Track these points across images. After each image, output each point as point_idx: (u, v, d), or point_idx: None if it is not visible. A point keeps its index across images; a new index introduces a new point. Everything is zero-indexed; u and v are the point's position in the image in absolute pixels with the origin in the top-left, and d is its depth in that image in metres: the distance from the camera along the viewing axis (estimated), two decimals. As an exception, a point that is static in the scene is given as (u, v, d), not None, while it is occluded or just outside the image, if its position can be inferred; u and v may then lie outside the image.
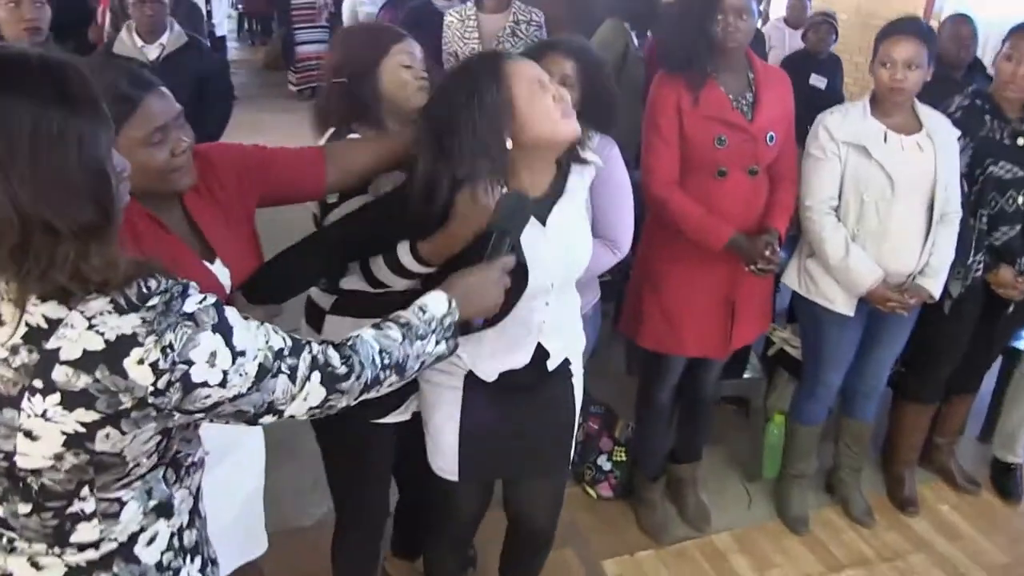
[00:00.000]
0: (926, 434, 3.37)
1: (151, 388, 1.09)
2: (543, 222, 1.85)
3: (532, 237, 1.80)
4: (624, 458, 3.23)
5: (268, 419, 1.25)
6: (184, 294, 1.13)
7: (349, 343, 1.33)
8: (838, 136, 2.68)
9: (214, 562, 1.43)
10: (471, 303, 1.51)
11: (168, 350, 1.09)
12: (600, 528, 3.12)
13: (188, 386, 1.13)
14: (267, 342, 1.21)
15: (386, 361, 1.36)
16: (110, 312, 1.08)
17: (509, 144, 1.73)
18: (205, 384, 1.14)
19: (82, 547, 1.19)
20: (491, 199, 1.70)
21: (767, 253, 2.56)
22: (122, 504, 1.20)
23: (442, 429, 2.03)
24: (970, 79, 3.84)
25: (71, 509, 1.17)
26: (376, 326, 1.40)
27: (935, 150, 2.66)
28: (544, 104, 1.73)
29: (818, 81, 5.36)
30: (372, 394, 1.36)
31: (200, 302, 1.15)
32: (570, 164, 1.92)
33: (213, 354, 1.14)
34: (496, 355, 1.94)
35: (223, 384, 1.16)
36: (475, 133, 1.70)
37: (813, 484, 3.30)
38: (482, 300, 1.54)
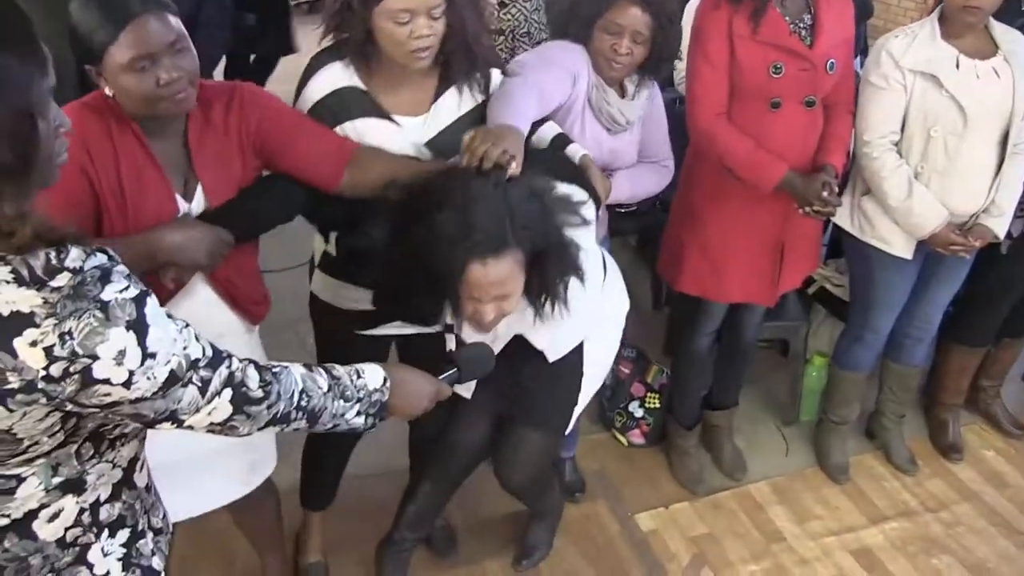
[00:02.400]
0: (972, 377, 3.21)
1: (42, 373, 1.01)
2: None
3: None
4: (657, 404, 3.07)
5: (166, 426, 1.17)
6: (105, 278, 1.04)
7: (274, 370, 1.28)
8: (904, 63, 2.43)
9: (158, 531, 1.36)
10: (399, 397, 1.45)
11: (67, 337, 1.01)
12: (632, 478, 2.98)
13: (87, 380, 1.04)
14: (184, 348, 1.13)
15: (303, 403, 1.30)
16: (8, 283, 1.00)
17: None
18: (107, 381, 1.05)
19: None
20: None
21: (824, 194, 2.35)
22: (20, 480, 1.13)
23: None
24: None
25: None
26: (308, 367, 1.34)
27: (1013, 76, 2.41)
28: None
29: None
30: (275, 429, 1.30)
31: (121, 291, 1.05)
32: None
33: (122, 352, 1.05)
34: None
35: (127, 384, 1.07)
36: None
37: (853, 429, 3.14)
38: (409, 401, 1.48)
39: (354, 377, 1.38)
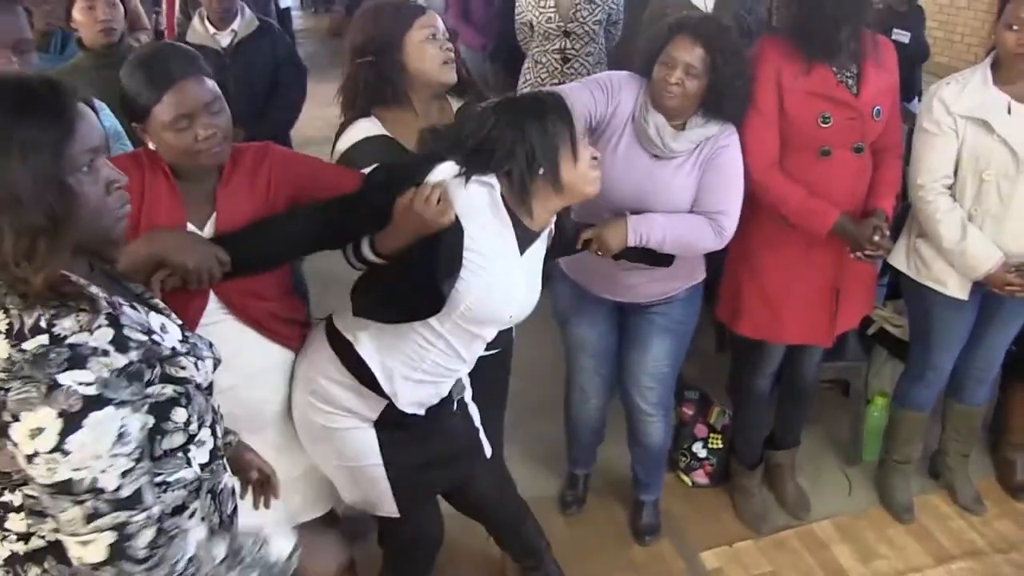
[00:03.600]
0: (1039, 415, 3.19)
1: None
2: (521, 251, 1.88)
3: (508, 266, 1.85)
4: (720, 445, 3.13)
5: (48, 525, 1.21)
6: (75, 362, 1.09)
7: (172, 532, 1.23)
8: (955, 110, 2.49)
9: None
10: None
11: (2, 392, 1.09)
12: (696, 517, 3.04)
13: (2, 430, 1.12)
14: (102, 471, 1.12)
15: (189, 570, 1.24)
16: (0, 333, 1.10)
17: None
18: (16, 444, 1.11)
19: (17, 536, 1.23)
20: (429, 208, 1.71)
21: (876, 238, 2.41)
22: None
23: (367, 474, 2.03)
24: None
25: (3, 498, 1.23)
26: (212, 528, 1.34)
27: (1065, 121, 2.45)
28: None
29: (901, 36, 5.08)
30: None
31: (81, 382, 1.09)
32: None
33: (39, 430, 1.09)
34: (424, 384, 1.95)
35: (29, 460, 1.11)
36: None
37: (916, 469, 3.15)
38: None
39: (255, 548, 1.35)
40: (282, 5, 7.47)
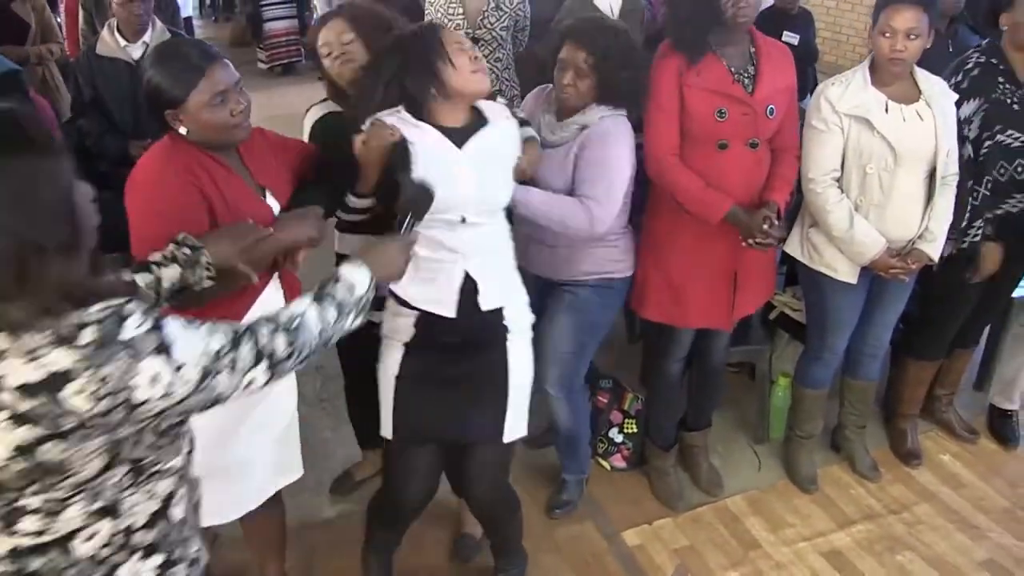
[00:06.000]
0: (927, 388, 3.46)
1: (91, 412, 1.19)
2: (460, 146, 2.12)
3: (446, 158, 2.10)
4: (635, 430, 3.30)
5: (214, 408, 1.37)
6: (121, 320, 1.21)
7: (295, 325, 1.48)
8: (840, 108, 2.71)
9: (193, 561, 1.52)
10: (381, 271, 1.75)
11: (107, 380, 1.19)
12: (617, 499, 3.19)
13: (131, 407, 1.23)
14: (207, 346, 1.31)
15: (323, 339, 1.55)
16: (48, 345, 1.17)
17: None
18: (147, 401, 1.24)
19: (26, 534, 1.29)
20: (378, 136, 2.07)
21: (765, 227, 2.60)
22: (66, 504, 1.29)
23: (384, 384, 2.28)
24: (954, 30, 3.87)
25: (19, 503, 1.27)
26: (317, 299, 1.57)
27: (934, 118, 2.69)
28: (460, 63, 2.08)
29: (791, 38, 5.35)
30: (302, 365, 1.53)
31: (139, 326, 1.22)
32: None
33: (155, 376, 1.23)
34: (420, 282, 2.15)
35: (166, 396, 1.25)
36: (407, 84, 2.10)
37: (819, 443, 3.38)
38: (389, 269, 1.82)
39: (350, 294, 1.61)
40: (183, 14, 7.39)
